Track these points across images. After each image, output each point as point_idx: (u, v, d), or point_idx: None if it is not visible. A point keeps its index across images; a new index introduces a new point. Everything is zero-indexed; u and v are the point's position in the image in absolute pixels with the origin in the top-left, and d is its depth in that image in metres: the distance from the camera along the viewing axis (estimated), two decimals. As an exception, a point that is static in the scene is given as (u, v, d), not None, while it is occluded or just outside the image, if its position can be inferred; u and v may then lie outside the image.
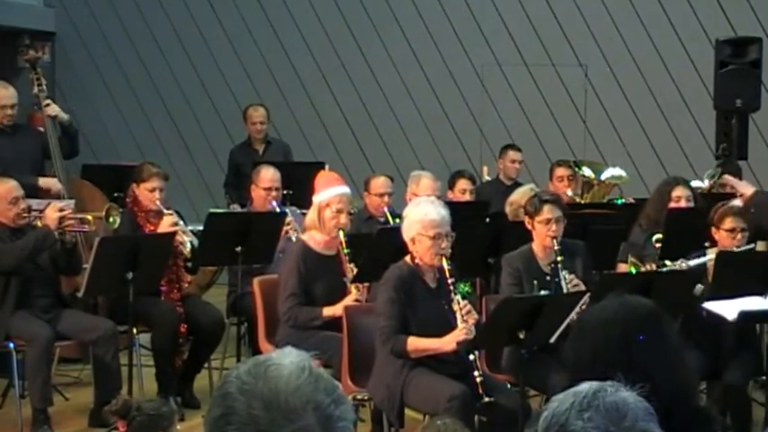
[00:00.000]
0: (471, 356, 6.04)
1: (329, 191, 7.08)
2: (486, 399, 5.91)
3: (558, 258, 6.71)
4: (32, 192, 8.01)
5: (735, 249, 6.97)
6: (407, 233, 6.19)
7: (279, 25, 13.18)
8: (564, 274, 6.69)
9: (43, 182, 8.56)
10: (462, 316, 6.05)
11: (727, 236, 7.01)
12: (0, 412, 7.58)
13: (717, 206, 7.26)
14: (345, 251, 7.01)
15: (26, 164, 8.61)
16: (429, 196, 7.44)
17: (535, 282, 6.73)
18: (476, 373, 5.99)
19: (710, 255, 7.02)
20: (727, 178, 6.95)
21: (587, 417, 1.97)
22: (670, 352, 2.79)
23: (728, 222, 7.03)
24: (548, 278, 6.77)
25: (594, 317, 2.94)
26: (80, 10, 13.66)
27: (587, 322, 2.97)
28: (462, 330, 6.00)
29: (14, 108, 8.71)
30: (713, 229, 7.08)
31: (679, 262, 7.09)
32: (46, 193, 8.43)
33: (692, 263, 7.02)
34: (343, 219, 7.01)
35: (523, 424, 5.96)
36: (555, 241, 6.72)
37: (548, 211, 6.75)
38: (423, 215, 6.16)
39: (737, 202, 7.37)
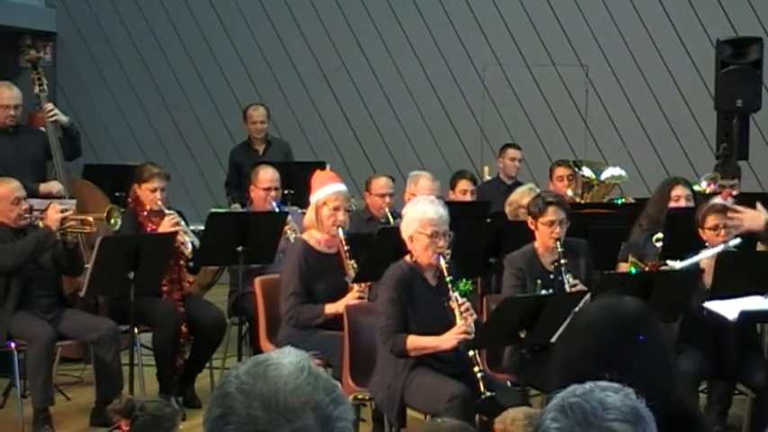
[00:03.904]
0: (471, 353, 6.02)
1: (325, 189, 7.07)
2: (488, 393, 5.89)
3: (562, 261, 6.71)
4: (34, 196, 8.00)
5: (732, 248, 6.93)
6: (405, 231, 6.19)
7: (280, 25, 13.18)
8: (568, 277, 6.67)
9: (43, 187, 8.55)
10: (461, 313, 6.05)
11: (712, 234, 6.98)
12: (1, 412, 7.59)
13: (700, 207, 7.24)
14: (346, 248, 7.01)
15: (28, 164, 8.60)
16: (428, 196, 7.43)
17: (539, 281, 6.72)
18: (476, 369, 5.97)
19: (701, 254, 6.98)
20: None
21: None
22: (658, 354, 2.79)
23: (710, 220, 6.99)
24: (551, 276, 6.76)
25: (585, 317, 2.94)
26: (81, 10, 13.66)
27: (578, 323, 2.97)
28: (461, 328, 6.00)
29: (18, 109, 8.71)
30: (700, 231, 7.05)
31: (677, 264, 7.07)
32: (47, 196, 8.41)
33: (685, 263, 6.98)
34: (341, 216, 7.00)
35: (524, 424, 5.96)
36: (558, 243, 6.72)
37: (552, 213, 6.73)
38: (420, 213, 6.15)
39: (718, 200, 7.35)
